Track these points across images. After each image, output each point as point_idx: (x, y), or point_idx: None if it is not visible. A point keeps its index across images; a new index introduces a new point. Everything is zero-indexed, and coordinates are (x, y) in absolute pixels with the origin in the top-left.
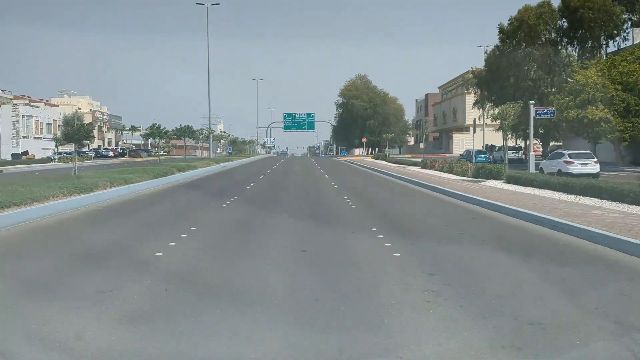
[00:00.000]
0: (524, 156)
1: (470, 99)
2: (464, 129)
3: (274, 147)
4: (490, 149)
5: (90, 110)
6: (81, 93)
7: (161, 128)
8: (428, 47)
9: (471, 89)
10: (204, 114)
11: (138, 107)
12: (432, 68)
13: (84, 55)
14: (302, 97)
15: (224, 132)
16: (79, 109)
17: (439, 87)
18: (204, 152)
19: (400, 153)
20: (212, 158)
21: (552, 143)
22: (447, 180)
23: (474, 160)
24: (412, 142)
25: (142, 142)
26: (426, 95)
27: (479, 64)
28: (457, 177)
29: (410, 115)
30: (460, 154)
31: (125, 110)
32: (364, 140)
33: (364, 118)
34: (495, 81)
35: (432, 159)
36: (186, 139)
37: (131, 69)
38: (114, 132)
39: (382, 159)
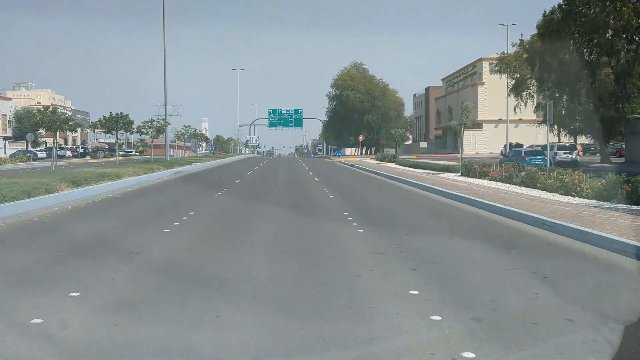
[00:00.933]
0: (578, 157)
1: (483, 90)
2: (474, 125)
3: (257, 146)
4: (516, 146)
5: (51, 105)
6: (44, 86)
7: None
8: (428, 36)
9: (485, 79)
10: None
11: (115, 104)
12: (433, 60)
13: (51, 44)
14: (289, 93)
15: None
16: (38, 102)
17: (442, 80)
18: (187, 151)
19: (396, 153)
20: (170, 160)
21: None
22: (591, 216)
23: (529, 163)
24: (409, 141)
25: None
26: (427, 89)
27: (486, 54)
28: (571, 200)
29: (408, 111)
30: (505, 154)
31: (100, 107)
32: (361, 138)
33: (360, 112)
34: (553, 55)
35: (479, 163)
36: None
37: (106, 61)
38: (79, 129)
39: (389, 161)
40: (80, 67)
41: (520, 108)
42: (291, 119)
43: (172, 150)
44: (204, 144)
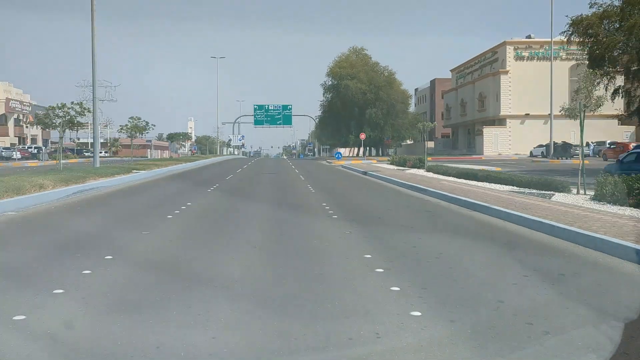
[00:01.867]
0: None
1: (506, 80)
2: (496, 121)
3: (242, 145)
4: (563, 147)
5: (7, 98)
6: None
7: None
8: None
9: (509, 67)
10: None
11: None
12: (438, 51)
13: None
14: (277, 89)
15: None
16: None
17: (451, 70)
18: (166, 151)
19: (424, 156)
20: (101, 168)
21: None
22: None
23: None
24: (409, 141)
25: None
26: (432, 82)
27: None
28: None
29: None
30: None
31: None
32: (363, 136)
33: (362, 106)
34: None
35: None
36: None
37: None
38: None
39: (413, 166)
40: (45, 60)
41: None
42: (279, 116)
43: (149, 150)
44: (187, 144)
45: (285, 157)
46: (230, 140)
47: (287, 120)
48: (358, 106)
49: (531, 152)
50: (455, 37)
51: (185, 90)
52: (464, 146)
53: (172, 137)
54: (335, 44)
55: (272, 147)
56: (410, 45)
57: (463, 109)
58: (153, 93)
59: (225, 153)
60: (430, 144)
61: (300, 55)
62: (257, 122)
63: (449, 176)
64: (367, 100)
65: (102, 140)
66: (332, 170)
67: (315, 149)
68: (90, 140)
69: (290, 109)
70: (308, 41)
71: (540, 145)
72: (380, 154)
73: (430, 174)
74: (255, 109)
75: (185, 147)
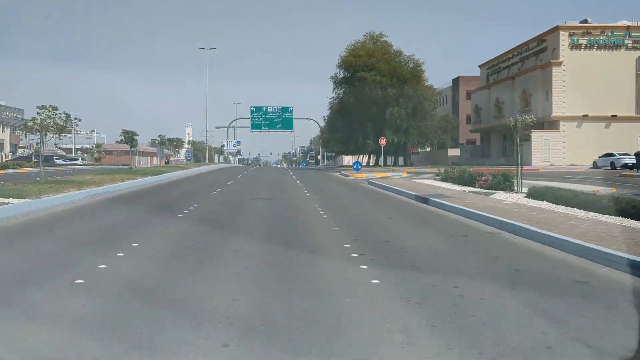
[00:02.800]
0: None
1: (559, 73)
2: (545, 123)
3: (237, 152)
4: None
5: None
6: None
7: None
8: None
9: (563, 57)
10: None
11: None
12: (462, 45)
13: None
14: (278, 90)
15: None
16: None
17: (481, 66)
18: (154, 158)
19: (408, 163)
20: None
21: None
22: None
23: None
24: (427, 147)
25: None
26: (455, 80)
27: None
28: None
29: None
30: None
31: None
32: (383, 142)
33: (381, 104)
34: None
35: None
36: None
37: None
38: (7, 129)
39: (492, 187)
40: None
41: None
42: (279, 120)
43: (137, 158)
44: (182, 151)
45: (285, 164)
46: (223, 146)
47: (287, 124)
48: (377, 104)
49: (595, 163)
50: (476, 28)
51: (183, 94)
52: (498, 154)
53: (163, 142)
54: (339, 37)
55: (271, 154)
56: (427, 39)
57: (498, 110)
58: (152, 97)
59: (217, 161)
60: (453, 151)
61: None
62: (255, 126)
63: (589, 211)
64: (389, 97)
65: (87, 146)
66: (358, 189)
67: (320, 157)
68: (78, 146)
69: (292, 111)
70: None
71: (609, 154)
72: (404, 163)
73: (547, 205)
74: (252, 112)
75: (180, 153)
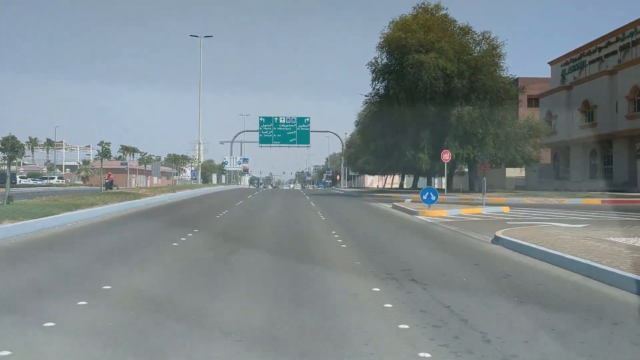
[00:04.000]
0: None
1: None
2: None
3: (244, 172)
4: None
5: None
6: None
7: None
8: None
9: None
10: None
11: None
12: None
13: None
14: (292, 101)
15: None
16: None
17: (551, 63)
18: (154, 179)
19: (476, 188)
20: None
21: None
22: None
23: None
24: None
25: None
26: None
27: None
28: None
29: None
30: None
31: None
32: (447, 156)
33: (443, 101)
34: None
35: None
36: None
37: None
38: None
39: None
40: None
41: None
42: (293, 133)
43: (132, 176)
44: (187, 170)
45: (298, 185)
46: (224, 163)
47: (303, 137)
48: (437, 102)
49: None
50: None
51: (193, 111)
52: (581, 174)
53: (175, 160)
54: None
55: (284, 173)
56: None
57: (586, 117)
58: (161, 114)
59: (217, 182)
60: (512, 172)
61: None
62: (264, 140)
63: None
64: (455, 91)
65: (73, 163)
66: (494, 268)
67: (340, 177)
68: (73, 163)
69: (308, 122)
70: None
71: None
72: (469, 188)
73: None
74: (260, 123)
75: (186, 171)
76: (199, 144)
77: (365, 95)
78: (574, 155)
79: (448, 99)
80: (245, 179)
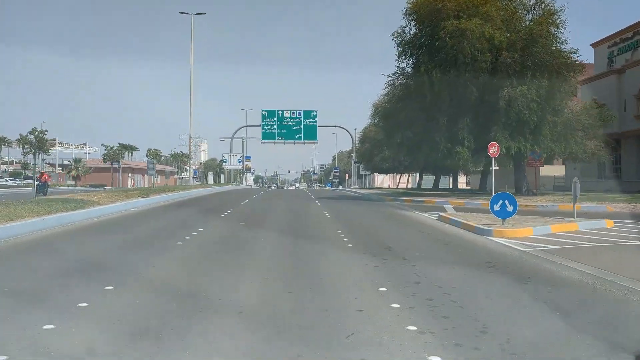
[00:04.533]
0: None
1: None
2: None
3: (246, 170)
4: None
5: None
6: None
7: None
8: None
9: None
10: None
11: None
12: None
13: None
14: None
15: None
16: None
17: (594, 44)
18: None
19: (524, 190)
20: None
21: None
22: None
23: None
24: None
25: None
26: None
27: None
28: None
29: None
30: None
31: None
32: (495, 150)
33: (488, 81)
34: None
35: None
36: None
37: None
38: None
39: None
40: None
41: None
42: (298, 128)
43: (130, 175)
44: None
45: (304, 185)
46: (223, 161)
47: (310, 133)
48: (480, 81)
49: None
50: None
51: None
52: (636, 173)
53: (154, 155)
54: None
55: (289, 171)
56: None
57: None
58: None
59: (213, 182)
60: (551, 169)
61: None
62: (267, 136)
63: None
64: (504, 68)
65: (65, 162)
66: None
67: (348, 177)
68: (62, 161)
69: (315, 116)
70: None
71: None
72: (515, 190)
73: None
74: (263, 117)
75: (187, 170)
76: (190, 138)
77: (389, 76)
78: (628, 149)
79: (495, 77)
80: (250, 178)
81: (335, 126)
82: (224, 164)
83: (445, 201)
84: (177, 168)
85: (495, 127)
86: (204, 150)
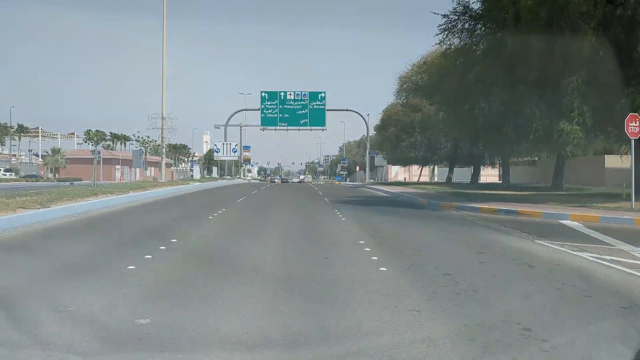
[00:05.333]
0: None
1: None
2: None
3: (245, 162)
4: None
5: None
6: None
7: None
8: None
9: None
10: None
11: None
12: None
13: None
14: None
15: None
16: None
17: None
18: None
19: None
20: None
21: None
22: None
23: None
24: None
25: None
26: None
27: None
28: None
29: None
30: None
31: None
32: (636, 126)
33: (609, 22)
34: None
35: None
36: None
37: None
38: None
39: None
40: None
41: None
42: (304, 112)
43: (116, 167)
44: (188, 159)
45: (309, 178)
46: (215, 151)
47: (317, 118)
48: (596, 25)
49: None
50: None
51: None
52: None
53: (143, 143)
54: None
55: (293, 163)
56: None
57: None
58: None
59: (200, 177)
60: (614, 160)
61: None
62: (267, 122)
63: None
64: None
65: (43, 153)
66: None
67: (367, 168)
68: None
69: (324, 98)
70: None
71: None
72: (634, 186)
73: None
74: (262, 99)
75: (186, 162)
76: (163, 119)
77: (444, 16)
78: None
79: (621, 19)
80: (254, 171)
81: (346, 110)
82: (215, 154)
83: (553, 212)
84: (175, 160)
85: (629, 89)
86: (206, 142)
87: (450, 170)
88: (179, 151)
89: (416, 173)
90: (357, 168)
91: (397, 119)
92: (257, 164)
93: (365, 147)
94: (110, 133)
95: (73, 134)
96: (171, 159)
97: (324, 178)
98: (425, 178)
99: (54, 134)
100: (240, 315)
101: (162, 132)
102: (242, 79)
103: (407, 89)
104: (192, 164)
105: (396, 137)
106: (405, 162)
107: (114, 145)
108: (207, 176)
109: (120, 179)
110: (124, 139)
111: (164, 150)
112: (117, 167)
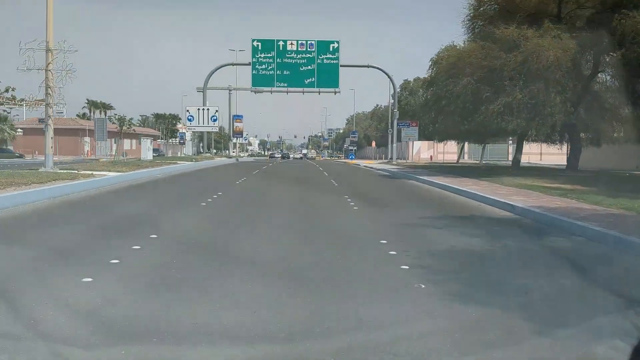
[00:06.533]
0: None
1: None
2: None
3: (238, 135)
4: None
5: None
6: None
7: None
8: None
9: None
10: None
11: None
12: None
13: None
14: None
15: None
16: None
17: None
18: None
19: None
20: None
21: None
22: None
23: None
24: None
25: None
26: None
27: None
28: None
29: None
30: None
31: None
32: None
33: None
34: None
35: None
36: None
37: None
38: None
39: None
40: None
41: None
42: (309, 68)
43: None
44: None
45: (313, 153)
46: (187, 118)
47: (327, 76)
48: None
49: None
50: None
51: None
52: None
53: (121, 120)
54: None
55: (295, 136)
56: None
57: None
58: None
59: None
60: None
61: None
62: (260, 81)
63: None
64: None
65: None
66: None
67: (392, 142)
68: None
69: (336, 50)
70: None
71: None
72: None
73: None
74: (254, 50)
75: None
76: (49, 51)
77: None
78: None
79: None
80: (255, 144)
81: (367, 66)
82: (188, 122)
83: None
84: (164, 133)
85: None
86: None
87: (483, 149)
88: (169, 122)
89: (441, 150)
90: (373, 144)
91: (475, 62)
92: (256, 137)
93: (379, 118)
94: (87, 100)
95: (56, 101)
96: (158, 130)
97: (328, 153)
98: (450, 156)
99: (22, 101)
100: None
101: (46, 77)
102: (241, 31)
103: (488, 14)
104: (181, 135)
105: (474, 94)
106: (480, 137)
107: (91, 114)
108: (175, 156)
109: (88, 154)
110: (104, 107)
111: (50, 111)
112: (85, 138)
